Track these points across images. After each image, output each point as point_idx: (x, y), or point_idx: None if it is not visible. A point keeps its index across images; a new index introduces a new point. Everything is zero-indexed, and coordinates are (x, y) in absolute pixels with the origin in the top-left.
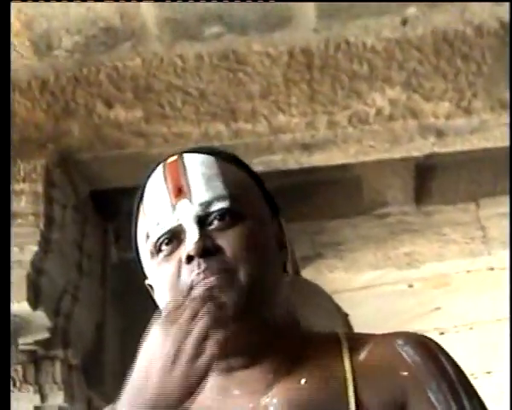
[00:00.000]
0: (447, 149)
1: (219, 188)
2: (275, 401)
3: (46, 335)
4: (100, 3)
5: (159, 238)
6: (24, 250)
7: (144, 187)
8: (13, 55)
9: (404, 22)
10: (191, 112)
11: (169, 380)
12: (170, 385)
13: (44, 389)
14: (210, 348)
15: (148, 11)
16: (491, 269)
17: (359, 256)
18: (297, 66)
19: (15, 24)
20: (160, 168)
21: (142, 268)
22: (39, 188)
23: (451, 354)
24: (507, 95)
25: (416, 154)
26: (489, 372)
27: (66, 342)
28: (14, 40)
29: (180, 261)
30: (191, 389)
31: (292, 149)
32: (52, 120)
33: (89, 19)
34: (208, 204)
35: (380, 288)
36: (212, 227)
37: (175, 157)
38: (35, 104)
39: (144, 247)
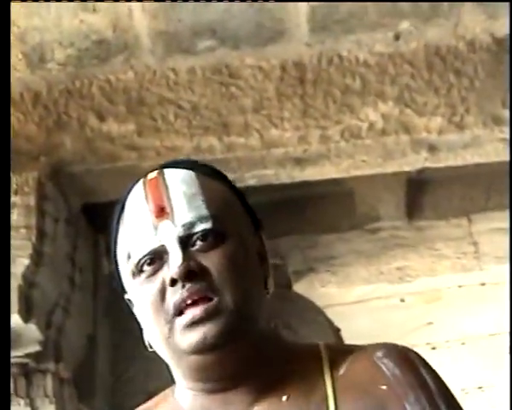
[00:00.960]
0: (439, 164)
1: (201, 208)
2: None
3: (37, 348)
4: (92, 16)
5: (140, 259)
6: (16, 263)
7: (124, 203)
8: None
9: (397, 37)
10: (183, 125)
11: None
12: None
13: (35, 402)
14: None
15: (141, 24)
16: (483, 284)
17: (351, 271)
18: (290, 80)
19: None
20: (140, 185)
21: (121, 283)
22: (31, 201)
23: (443, 369)
24: (500, 110)
25: (408, 169)
26: (480, 388)
27: (57, 355)
28: None
29: (164, 283)
30: None
31: (284, 164)
32: (44, 132)
33: (82, 32)
34: (191, 225)
35: (372, 302)
36: (195, 248)
37: (155, 174)
38: (27, 117)
39: (125, 266)
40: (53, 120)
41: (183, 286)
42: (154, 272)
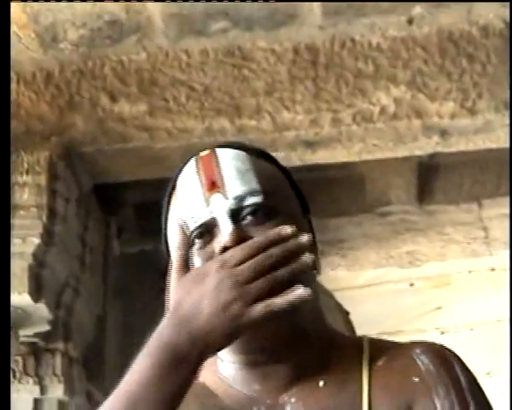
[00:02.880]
0: (451, 148)
1: (253, 182)
2: (293, 400)
3: (47, 327)
4: None
5: (192, 231)
6: (26, 242)
7: (175, 181)
8: (18, 47)
9: (410, 21)
10: (195, 107)
11: (221, 318)
12: (219, 323)
13: (44, 381)
14: (269, 303)
15: (155, 6)
16: (493, 270)
17: (361, 254)
18: (302, 63)
19: (21, 17)
20: (192, 162)
21: (169, 256)
22: (42, 180)
23: None
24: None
25: (419, 153)
26: (488, 373)
27: (66, 334)
28: (19, 32)
29: (213, 254)
30: (237, 333)
31: (295, 147)
32: (56, 112)
33: (94, 12)
34: (242, 198)
35: (381, 286)
36: (245, 222)
37: (207, 151)
38: (39, 96)
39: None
40: (65, 100)
41: None
42: (204, 245)
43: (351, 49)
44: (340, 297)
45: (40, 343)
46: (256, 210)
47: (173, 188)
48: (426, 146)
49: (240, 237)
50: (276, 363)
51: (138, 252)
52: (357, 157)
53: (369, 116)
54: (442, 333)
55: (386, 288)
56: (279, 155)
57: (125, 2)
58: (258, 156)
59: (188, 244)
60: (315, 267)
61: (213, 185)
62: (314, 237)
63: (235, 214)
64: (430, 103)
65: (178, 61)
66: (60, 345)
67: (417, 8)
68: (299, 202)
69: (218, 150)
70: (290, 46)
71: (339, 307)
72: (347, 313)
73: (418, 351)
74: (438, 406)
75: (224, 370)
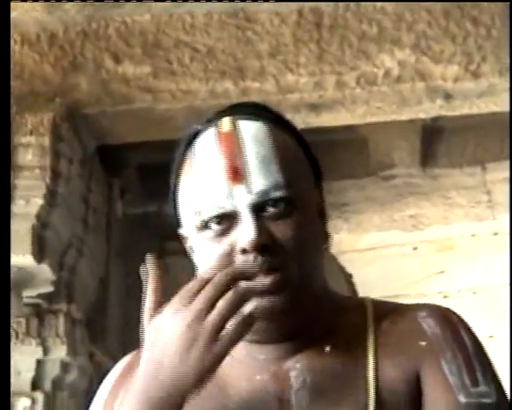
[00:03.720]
0: (454, 112)
1: (276, 174)
2: (298, 365)
3: (50, 288)
4: None
5: (210, 217)
6: (29, 203)
7: (191, 143)
8: (22, 7)
9: None
10: (199, 69)
11: (184, 364)
12: (185, 369)
13: (47, 342)
14: (230, 334)
15: None
16: (496, 234)
17: (364, 218)
18: (306, 25)
19: None
20: (212, 136)
21: (177, 219)
22: (46, 141)
23: None
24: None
25: (423, 116)
26: (491, 337)
27: (69, 296)
28: None
29: (233, 247)
30: (207, 372)
31: (299, 109)
32: (60, 73)
33: None
34: (265, 193)
35: (384, 250)
36: (267, 215)
37: (228, 126)
38: (43, 57)
39: (191, 220)
40: (69, 62)
41: (255, 258)
42: (223, 233)
43: (355, 11)
44: (342, 260)
45: (43, 305)
46: (277, 202)
47: (186, 150)
48: (430, 109)
49: (260, 243)
50: (284, 341)
51: (141, 213)
52: (361, 120)
53: (373, 79)
54: (445, 297)
55: (389, 251)
56: None
57: None
58: (278, 127)
59: (161, 279)
60: (326, 238)
61: (236, 174)
62: (324, 206)
63: (258, 208)
64: (434, 66)
65: (182, 22)
66: (63, 306)
67: None
68: (312, 171)
69: (241, 126)
70: (294, 8)
71: (342, 270)
72: (350, 276)
73: (424, 314)
74: (445, 370)
75: None
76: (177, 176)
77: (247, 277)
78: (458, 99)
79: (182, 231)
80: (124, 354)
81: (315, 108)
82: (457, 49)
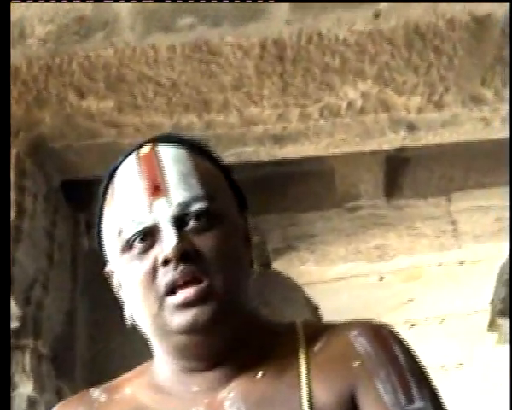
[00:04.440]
0: (418, 142)
1: (196, 187)
2: (231, 395)
3: (16, 324)
4: None
5: (133, 235)
6: None
7: (113, 176)
8: None
9: (377, 15)
10: (163, 103)
11: None
12: None
13: (14, 378)
14: None
15: (122, 1)
16: (462, 263)
17: (331, 249)
18: (269, 58)
19: None
20: (132, 160)
21: (103, 255)
22: (11, 177)
23: (422, 346)
24: (479, 89)
25: (387, 147)
26: (460, 365)
27: (36, 331)
28: None
29: (156, 261)
30: None
31: (264, 141)
32: (24, 108)
33: (62, 8)
34: (186, 204)
35: (351, 280)
36: (189, 228)
37: (148, 149)
38: None
39: (115, 241)
40: (33, 96)
41: (176, 267)
42: (146, 250)
43: (318, 43)
44: (309, 291)
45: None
46: (200, 216)
47: (109, 183)
48: (393, 140)
49: (182, 251)
50: (214, 368)
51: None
52: (325, 152)
53: (337, 111)
54: (412, 326)
55: (356, 282)
56: (247, 150)
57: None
58: (199, 153)
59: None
60: (251, 265)
61: (157, 190)
62: (249, 235)
63: (179, 221)
64: (397, 97)
65: (146, 56)
66: (29, 342)
67: (384, 2)
68: (237, 200)
69: (160, 149)
70: (257, 41)
71: (308, 301)
72: (317, 308)
73: (355, 333)
74: (380, 389)
75: (159, 376)
76: (101, 210)
77: (171, 290)
78: (422, 130)
79: (108, 267)
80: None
81: (279, 140)
82: (420, 80)
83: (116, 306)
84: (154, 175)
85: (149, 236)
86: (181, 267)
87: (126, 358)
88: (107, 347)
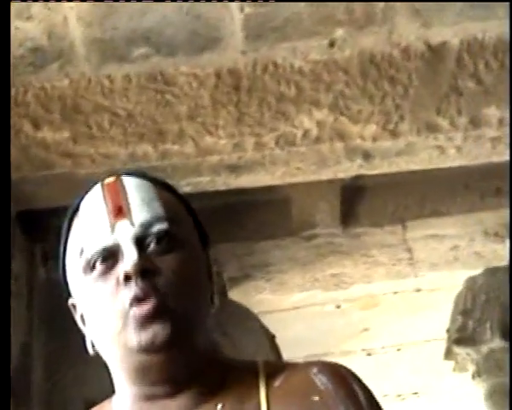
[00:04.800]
0: (374, 171)
1: (159, 209)
2: None
3: None
4: (28, 24)
5: (94, 255)
6: None
7: (78, 206)
8: None
9: (332, 44)
10: (119, 133)
11: None
12: None
13: None
14: None
15: (77, 32)
16: (418, 291)
17: (287, 278)
18: (224, 87)
19: None
20: (97, 188)
21: (67, 287)
22: None
23: (379, 374)
24: (434, 117)
25: (342, 176)
26: (416, 393)
27: None
28: None
29: (117, 281)
30: None
31: (219, 171)
32: None
33: (17, 39)
34: (148, 225)
35: (307, 309)
36: (150, 250)
37: (113, 178)
38: None
39: (77, 262)
40: None
41: (136, 283)
42: (108, 270)
43: (273, 73)
44: (266, 321)
45: None
46: (161, 238)
47: (74, 214)
48: (349, 169)
49: (143, 267)
50: (174, 395)
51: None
52: (281, 181)
53: (292, 140)
54: (369, 354)
55: (313, 310)
56: (203, 180)
57: (46, 26)
58: (163, 187)
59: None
60: (212, 301)
61: (120, 212)
62: (211, 270)
63: (141, 241)
64: (352, 126)
65: (101, 86)
66: None
67: (339, 31)
68: (199, 236)
69: (124, 178)
70: (212, 71)
71: (264, 330)
72: (273, 337)
73: (315, 370)
74: None
75: (119, 406)
76: (65, 242)
77: (132, 306)
78: (377, 158)
79: (71, 300)
80: None
81: (234, 169)
82: (375, 109)
83: (73, 337)
84: (117, 199)
85: (111, 256)
86: (141, 283)
87: (83, 389)
88: (64, 378)
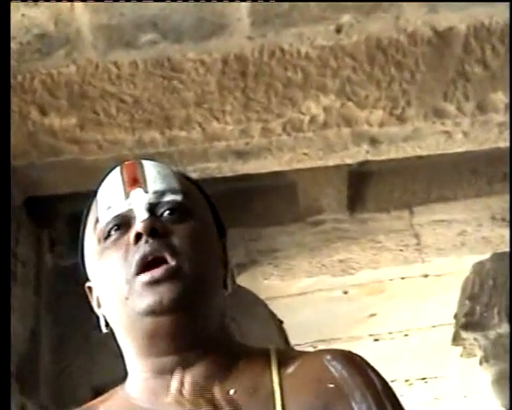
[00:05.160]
0: (381, 156)
1: (173, 182)
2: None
3: None
4: (34, 10)
5: (108, 222)
6: None
7: (97, 191)
8: None
9: (339, 30)
10: (126, 119)
11: None
12: None
13: None
14: None
15: (83, 18)
16: (426, 276)
17: (294, 263)
18: (231, 73)
19: None
20: (116, 170)
21: (85, 271)
22: None
23: (386, 360)
24: (441, 103)
25: (349, 161)
26: (424, 379)
27: None
28: None
29: (128, 244)
30: None
31: (226, 157)
32: None
33: (23, 26)
34: (161, 194)
35: (315, 295)
36: (163, 219)
37: (132, 161)
38: None
39: (91, 235)
40: None
41: (147, 242)
42: (120, 237)
43: (280, 58)
44: (273, 306)
45: None
46: (174, 208)
47: (93, 200)
48: (356, 154)
49: (154, 226)
50: (184, 370)
51: (71, 265)
52: (288, 166)
53: (299, 125)
54: (376, 340)
55: (320, 296)
56: (210, 166)
57: (53, 12)
58: (182, 176)
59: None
60: (225, 286)
61: (135, 181)
62: (227, 257)
63: (153, 208)
64: (359, 112)
65: (108, 73)
66: None
67: (345, 17)
68: (216, 228)
69: (143, 162)
70: (219, 57)
71: (272, 316)
72: (281, 322)
73: (329, 357)
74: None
75: (131, 393)
76: (84, 225)
77: (141, 270)
78: (384, 144)
79: (88, 283)
80: (56, 404)
81: (241, 155)
82: (382, 94)
83: (81, 323)
84: (134, 171)
85: (124, 224)
86: (150, 242)
87: (91, 375)
88: (72, 363)
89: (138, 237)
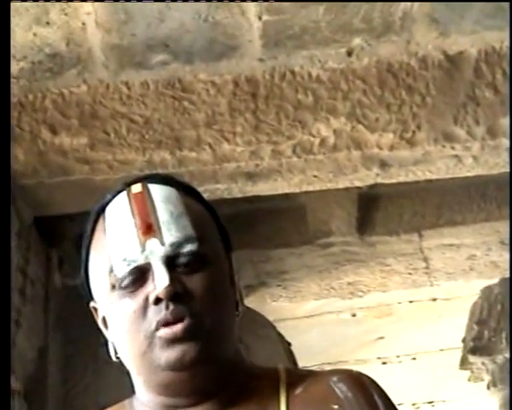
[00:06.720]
0: (391, 180)
1: (188, 228)
2: None
3: None
4: (46, 29)
5: (125, 275)
6: None
7: (102, 212)
8: None
9: (350, 53)
10: (136, 139)
11: None
12: None
13: None
14: None
15: (95, 38)
16: (434, 300)
17: (303, 286)
18: (242, 95)
19: None
20: (124, 198)
21: (89, 290)
22: None
23: (394, 383)
24: (451, 127)
25: (359, 184)
26: (431, 402)
27: None
28: None
29: (146, 300)
30: None
31: (236, 178)
32: None
33: (35, 45)
34: (178, 245)
35: (323, 317)
36: (180, 269)
37: (139, 188)
38: None
39: (105, 278)
40: None
41: (167, 307)
42: (137, 289)
43: (290, 81)
44: (281, 328)
45: None
46: (191, 257)
47: (97, 219)
48: (366, 177)
49: (174, 291)
50: (196, 405)
51: (79, 284)
52: (298, 188)
53: (309, 148)
54: (384, 363)
55: (328, 318)
56: (220, 187)
57: (65, 32)
58: (187, 193)
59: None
60: (237, 307)
61: (149, 229)
62: (234, 276)
63: (171, 261)
64: (370, 135)
65: (119, 93)
66: None
67: (357, 40)
68: (222, 242)
69: (151, 188)
70: (230, 78)
71: (280, 338)
72: (289, 344)
73: (335, 379)
74: None
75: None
76: (88, 245)
77: (162, 326)
78: (394, 167)
79: (93, 303)
80: None
81: (251, 177)
82: (392, 118)
83: (89, 343)
84: (147, 214)
85: (140, 275)
86: (172, 307)
87: (99, 394)
88: (80, 383)
89: (159, 300)
